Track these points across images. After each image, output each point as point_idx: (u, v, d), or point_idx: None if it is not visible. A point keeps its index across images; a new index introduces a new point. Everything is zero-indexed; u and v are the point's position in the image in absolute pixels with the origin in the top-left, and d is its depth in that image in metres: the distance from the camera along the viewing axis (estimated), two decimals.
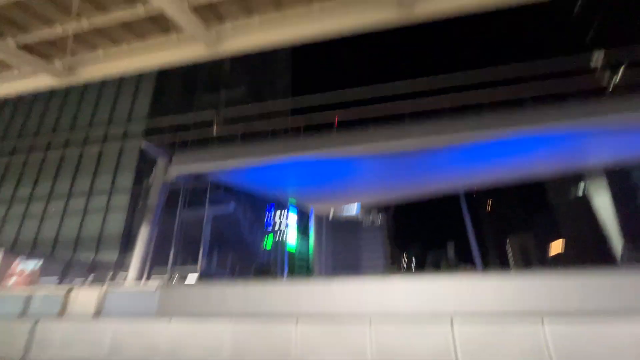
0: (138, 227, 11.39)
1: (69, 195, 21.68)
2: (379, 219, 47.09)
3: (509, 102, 8.67)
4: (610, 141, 11.33)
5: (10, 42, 6.59)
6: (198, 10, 6.11)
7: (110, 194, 20.64)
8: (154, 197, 13.28)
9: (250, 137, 14.61)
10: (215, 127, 8.77)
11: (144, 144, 14.53)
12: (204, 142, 17.72)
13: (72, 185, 21.54)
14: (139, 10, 6.03)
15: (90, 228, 20.87)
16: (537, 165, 14.15)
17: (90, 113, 21.60)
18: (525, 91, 8.07)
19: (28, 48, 6.90)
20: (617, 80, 6.14)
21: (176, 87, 22.74)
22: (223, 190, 20.53)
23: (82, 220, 21.28)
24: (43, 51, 7.12)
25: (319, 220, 34.13)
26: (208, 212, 19.71)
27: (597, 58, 6.38)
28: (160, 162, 13.89)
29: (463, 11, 6.31)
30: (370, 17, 6.16)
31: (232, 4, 6.15)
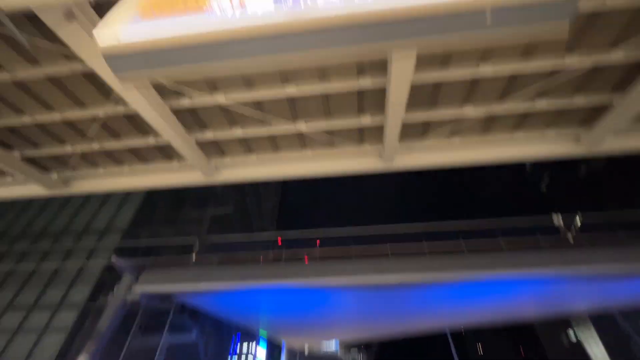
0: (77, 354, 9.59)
1: (6, 308, 18.75)
2: (361, 357, 41.68)
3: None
4: (589, 289, 11.80)
5: (17, 154, 6.92)
6: (202, 144, 6.83)
7: (56, 310, 18.00)
8: (107, 318, 11.70)
9: (227, 260, 14.08)
10: (194, 254, 8.56)
11: (113, 257, 13.72)
12: (177, 261, 16.86)
13: (14, 298, 18.89)
14: (150, 141, 6.68)
15: (17, 350, 17.24)
16: (526, 308, 14.15)
17: (67, 220, 21.02)
18: (496, 243, 8.64)
19: (30, 160, 7.21)
20: (572, 238, 6.98)
21: (164, 200, 23.18)
22: (187, 316, 18.35)
23: (9, 341, 17.78)
24: (44, 164, 7.43)
25: (292, 355, 30.31)
26: (166, 340, 17.06)
27: (558, 219, 7.28)
28: (126, 279, 12.82)
29: (436, 165, 7.31)
30: (355, 165, 7.00)
31: (234, 143, 6.95)
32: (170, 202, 24.16)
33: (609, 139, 6.63)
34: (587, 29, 4.70)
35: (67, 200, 22.73)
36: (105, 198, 22.03)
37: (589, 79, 5.62)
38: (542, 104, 6.00)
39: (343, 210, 22.87)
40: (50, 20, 3.49)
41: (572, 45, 4.92)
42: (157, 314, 17.89)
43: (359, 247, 9.31)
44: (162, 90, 5.45)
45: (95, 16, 3.90)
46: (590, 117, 6.42)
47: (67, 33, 3.77)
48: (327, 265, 10.81)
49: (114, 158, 7.41)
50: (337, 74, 5.27)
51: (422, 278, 10.05)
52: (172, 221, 22.64)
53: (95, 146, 6.81)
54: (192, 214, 24.42)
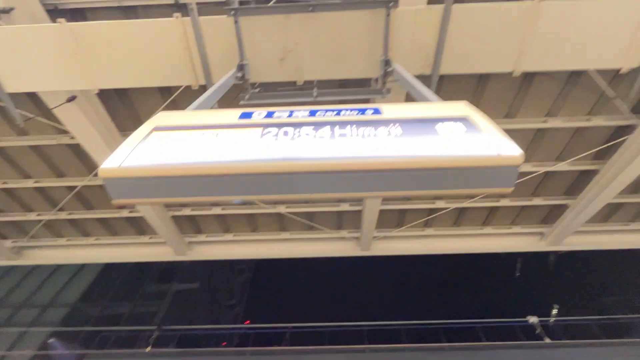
0: None
1: None
2: None
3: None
4: None
5: None
6: (178, 219, 6.69)
7: None
8: None
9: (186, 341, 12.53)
10: (150, 346, 7.63)
11: (51, 340, 11.93)
12: (126, 341, 14.83)
13: None
14: (122, 214, 6.49)
15: None
16: None
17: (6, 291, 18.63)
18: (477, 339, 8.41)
19: None
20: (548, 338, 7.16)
21: (124, 271, 21.36)
22: None
23: None
24: (1, 231, 6.93)
25: None
26: None
27: (533, 319, 7.36)
28: None
29: (411, 252, 7.42)
30: (333, 249, 6.99)
31: (212, 220, 6.87)
32: (130, 274, 22.24)
33: (569, 237, 7.10)
34: (536, 144, 5.43)
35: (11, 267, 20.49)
36: (57, 266, 20.06)
37: (543, 184, 6.27)
38: (506, 202, 6.53)
39: (320, 289, 21.71)
40: (52, 102, 3.67)
41: (526, 156, 5.60)
42: None
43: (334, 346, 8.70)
44: None
45: (94, 97, 4.17)
46: (550, 216, 6.97)
47: (65, 113, 3.95)
48: (296, 355, 9.80)
49: (80, 229, 7.04)
50: None
51: None
52: (131, 295, 20.51)
53: (62, 215, 6.51)
54: (154, 288, 22.38)
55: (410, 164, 1.01)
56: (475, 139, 1.09)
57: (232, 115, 1.35)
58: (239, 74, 2.68)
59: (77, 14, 3.48)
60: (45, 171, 5.74)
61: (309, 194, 1.06)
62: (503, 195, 6.48)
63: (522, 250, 7.32)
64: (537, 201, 6.52)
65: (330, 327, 8.90)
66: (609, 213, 6.93)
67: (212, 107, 2.04)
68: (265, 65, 2.91)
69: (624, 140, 5.03)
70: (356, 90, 2.98)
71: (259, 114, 1.35)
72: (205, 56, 2.84)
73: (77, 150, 5.38)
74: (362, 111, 1.33)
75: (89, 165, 5.65)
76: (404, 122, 1.22)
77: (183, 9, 2.76)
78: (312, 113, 1.33)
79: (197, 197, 1.07)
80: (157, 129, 1.25)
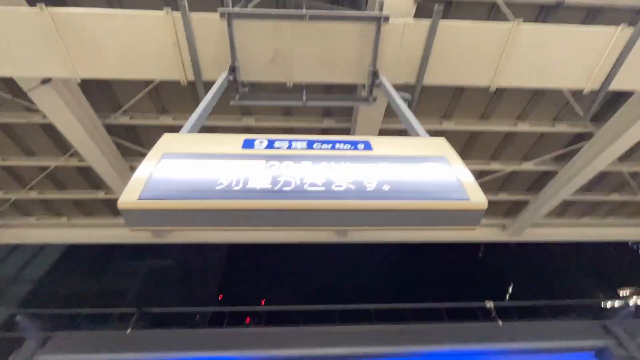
0: None
1: None
2: None
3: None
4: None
5: None
6: None
7: None
8: None
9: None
10: (130, 329, 7.68)
11: (18, 316, 11.60)
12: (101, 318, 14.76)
13: None
14: (99, 195, 6.35)
15: None
16: None
17: None
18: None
19: None
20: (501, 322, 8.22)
21: (93, 246, 20.77)
22: None
23: None
24: None
25: None
26: None
27: (489, 304, 8.17)
28: (29, 344, 10.82)
29: (385, 240, 7.84)
30: (310, 235, 7.24)
31: None
32: (100, 250, 21.64)
33: (528, 230, 7.75)
34: (505, 145, 5.81)
35: None
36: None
37: (509, 181, 6.75)
38: None
39: (295, 272, 22.29)
40: (26, 85, 3.51)
41: (494, 155, 6.01)
42: None
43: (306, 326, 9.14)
44: (125, 150, 5.42)
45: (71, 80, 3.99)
46: (512, 210, 7.55)
47: (39, 94, 3.77)
48: (270, 332, 10.21)
49: (52, 209, 6.83)
50: None
51: (370, 351, 9.89)
52: (101, 272, 20.12)
53: (32, 195, 6.28)
54: (125, 265, 21.99)
55: (397, 206, 1.19)
56: (450, 183, 1.28)
57: (235, 143, 1.45)
58: (231, 76, 2.71)
59: None
60: (13, 149, 5.48)
61: (307, 226, 1.22)
62: None
63: (485, 240, 7.91)
64: (502, 196, 7.03)
65: (304, 309, 9.31)
66: (564, 209, 7.60)
67: (209, 114, 2.11)
68: (255, 66, 2.94)
69: (581, 147, 5.50)
70: (344, 97, 3.09)
71: (260, 143, 1.46)
72: (196, 53, 2.82)
73: (48, 130, 5.16)
74: (355, 145, 1.47)
75: (61, 145, 5.44)
76: (391, 161, 1.38)
77: (172, 3, 2.70)
78: (310, 145, 1.46)
79: (207, 226, 1.19)
80: (166, 156, 1.34)
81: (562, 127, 5.37)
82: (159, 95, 4.67)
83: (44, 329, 10.58)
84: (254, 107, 4.69)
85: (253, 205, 1.17)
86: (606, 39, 2.96)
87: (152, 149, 1.38)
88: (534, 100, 4.89)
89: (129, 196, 1.14)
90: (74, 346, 9.76)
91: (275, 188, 1.22)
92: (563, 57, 3.01)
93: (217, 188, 1.20)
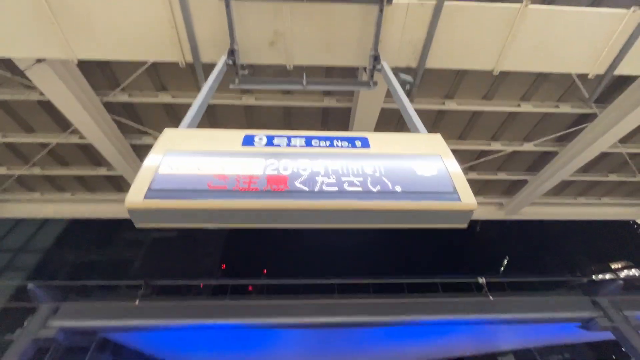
0: None
1: None
2: None
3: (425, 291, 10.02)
4: (511, 331, 13.72)
5: None
6: None
7: None
8: (10, 359, 10.17)
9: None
10: (137, 300, 8.02)
11: (30, 284, 12.08)
12: (107, 289, 15.36)
13: None
14: (100, 172, 6.42)
15: None
16: (457, 346, 15.97)
17: None
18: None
19: None
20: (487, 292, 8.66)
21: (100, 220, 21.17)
22: (109, 353, 16.41)
23: None
24: None
25: None
26: None
27: (482, 280, 8.48)
28: (42, 310, 11.35)
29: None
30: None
31: None
32: (105, 222, 22.11)
33: (525, 208, 7.87)
34: (507, 125, 5.77)
35: None
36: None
37: (509, 160, 6.76)
38: (473, 175, 7.03)
39: (296, 242, 22.81)
40: (22, 64, 3.46)
41: (495, 136, 5.98)
42: (72, 351, 15.75)
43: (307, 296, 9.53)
44: (125, 128, 5.41)
45: None
46: (511, 189, 7.63)
47: (36, 73, 3.73)
48: (272, 303, 10.67)
49: (55, 184, 6.92)
50: None
51: (368, 320, 10.38)
52: (107, 243, 20.65)
53: (36, 171, 6.34)
54: (131, 235, 22.52)
55: (388, 206, 1.24)
56: (443, 184, 1.32)
57: (235, 139, 1.48)
58: (230, 60, 2.66)
59: None
60: (12, 126, 5.47)
61: (305, 224, 1.28)
62: (472, 169, 6.98)
63: (482, 218, 8.06)
64: (501, 176, 7.08)
65: (303, 282, 9.65)
66: (561, 188, 7.68)
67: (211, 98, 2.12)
68: (255, 48, 2.88)
69: (584, 127, 5.47)
70: (344, 81, 3.05)
71: (260, 140, 1.49)
72: (193, 34, 2.76)
73: (47, 107, 5.13)
74: (352, 142, 1.50)
75: (61, 122, 5.43)
76: (387, 159, 1.42)
77: None
78: (308, 142, 1.49)
79: (211, 224, 1.26)
80: (169, 154, 1.38)
81: (565, 108, 5.31)
82: (158, 73, 4.59)
83: (55, 298, 11.04)
84: None
85: (253, 205, 1.22)
86: (616, 21, 2.87)
87: (154, 146, 1.41)
88: (538, 81, 4.80)
89: (135, 197, 1.20)
90: (85, 313, 10.26)
91: (273, 188, 1.27)
92: (570, 40, 2.93)
93: (219, 188, 1.25)
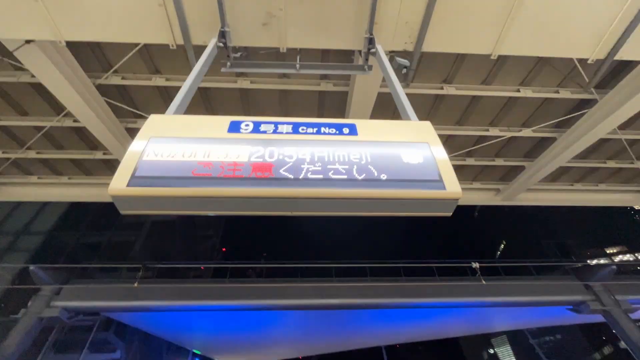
0: None
1: None
2: None
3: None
4: (504, 314, 14.09)
5: None
6: None
7: None
8: (17, 337, 10.44)
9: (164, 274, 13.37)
10: (136, 282, 8.16)
11: (32, 266, 12.25)
12: (110, 270, 15.62)
13: None
14: (97, 156, 6.39)
15: None
16: (452, 327, 16.47)
17: None
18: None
19: None
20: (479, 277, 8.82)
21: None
22: (112, 332, 16.86)
23: None
24: None
25: None
26: None
27: (475, 264, 8.58)
28: (45, 291, 11.57)
29: None
30: None
31: None
32: (104, 204, 22.21)
33: (522, 194, 7.88)
34: (506, 111, 5.71)
35: None
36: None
37: (507, 146, 6.73)
38: (471, 161, 7.02)
39: (295, 225, 23.05)
40: (11, 45, 3.38)
41: (494, 121, 5.93)
42: (76, 330, 16.16)
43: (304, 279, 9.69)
44: (120, 111, 5.35)
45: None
46: (508, 175, 7.62)
47: (25, 54, 3.65)
48: (271, 286, 10.86)
49: (52, 167, 6.90)
50: None
51: (367, 303, 10.60)
52: (107, 226, 20.81)
53: (31, 154, 6.31)
54: (130, 218, 22.69)
55: (373, 194, 1.24)
56: (428, 172, 1.32)
57: (221, 126, 1.46)
58: (221, 43, 2.60)
59: None
60: (6, 109, 5.41)
61: (290, 212, 1.29)
62: (469, 155, 6.95)
63: (478, 203, 8.09)
64: (498, 162, 7.06)
65: (302, 264, 9.79)
66: (559, 174, 7.67)
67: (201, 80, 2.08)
68: (247, 30, 2.80)
69: (583, 113, 5.41)
70: (338, 65, 2.98)
71: (246, 126, 1.47)
72: (184, 15, 2.68)
73: (40, 90, 5.05)
74: (340, 129, 1.49)
75: (54, 105, 5.36)
76: (373, 146, 1.40)
77: None
78: (295, 129, 1.48)
79: (195, 211, 1.26)
80: (152, 140, 1.36)
81: (565, 94, 5.24)
82: (151, 55, 4.50)
83: (57, 279, 11.23)
84: None
85: (237, 192, 1.22)
86: (618, 5, 2.78)
87: (139, 132, 1.40)
88: (539, 66, 4.71)
89: (118, 183, 1.19)
90: (87, 294, 10.46)
91: (259, 175, 1.26)
92: (570, 23, 2.86)
93: (203, 175, 1.25)
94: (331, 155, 1.35)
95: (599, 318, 9.74)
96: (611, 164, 7.06)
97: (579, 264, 13.47)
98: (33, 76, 4.49)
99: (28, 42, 3.49)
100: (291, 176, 1.26)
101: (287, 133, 1.46)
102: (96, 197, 7.44)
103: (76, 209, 18.84)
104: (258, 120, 1.51)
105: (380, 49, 2.55)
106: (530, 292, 9.60)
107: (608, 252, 21.32)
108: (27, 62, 3.72)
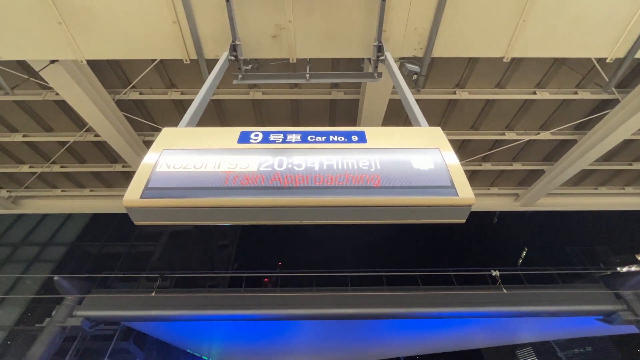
0: None
1: None
2: None
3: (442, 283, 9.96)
4: (529, 324, 13.54)
5: None
6: None
7: None
8: (42, 346, 10.72)
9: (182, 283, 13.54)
10: (154, 292, 8.32)
11: (56, 277, 12.67)
12: (129, 279, 15.94)
13: None
14: (116, 168, 6.61)
15: None
16: (474, 337, 15.91)
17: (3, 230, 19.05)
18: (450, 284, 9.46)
19: None
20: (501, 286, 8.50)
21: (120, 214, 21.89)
22: (132, 341, 17.13)
23: None
24: None
25: None
26: None
27: (496, 273, 8.31)
28: (68, 301, 11.89)
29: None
30: None
31: None
32: (124, 216, 22.77)
33: (542, 199, 7.62)
34: (522, 114, 5.57)
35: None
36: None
37: (524, 150, 6.54)
38: (487, 166, 6.86)
39: (311, 233, 22.95)
40: (37, 65, 3.57)
41: (510, 125, 5.79)
42: (98, 338, 16.51)
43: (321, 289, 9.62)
44: (138, 125, 5.53)
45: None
46: (527, 179, 7.40)
47: (50, 73, 3.84)
48: (287, 296, 10.82)
49: (74, 180, 7.17)
50: None
51: (383, 312, 10.42)
52: (127, 235, 21.35)
53: (55, 168, 6.59)
54: (149, 229, 23.22)
55: (386, 202, 1.22)
56: (440, 178, 1.29)
57: (231, 137, 1.49)
58: (232, 56, 2.66)
59: None
60: (32, 125, 5.68)
61: (299, 221, 1.28)
62: (486, 160, 6.80)
63: (496, 209, 7.87)
64: (516, 166, 6.87)
65: (318, 272, 9.73)
66: (581, 178, 7.39)
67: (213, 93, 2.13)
68: (257, 42, 2.86)
69: (605, 114, 5.21)
70: (348, 73, 3.00)
71: (255, 137, 1.49)
72: (196, 30, 2.77)
73: (64, 107, 5.29)
74: (349, 137, 1.48)
75: (77, 121, 5.60)
76: (384, 154, 1.39)
77: None
78: (304, 138, 1.48)
79: (208, 221, 1.27)
80: (165, 152, 1.40)
81: (585, 95, 5.08)
82: (166, 70, 4.65)
83: (80, 289, 11.56)
84: None
85: (247, 202, 1.23)
86: (636, 1, 2.70)
87: (152, 145, 1.44)
88: (555, 67, 4.60)
89: (132, 195, 1.22)
90: (107, 304, 10.71)
91: (269, 184, 1.27)
92: (585, 22, 2.78)
93: (215, 186, 1.26)
94: (340, 164, 1.34)
95: (632, 329, 9.20)
96: (637, 165, 6.75)
97: (608, 272, 12.82)
98: (57, 94, 4.72)
99: (52, 62, 3.68)
100: (301, 185, 1.26)
101: (296, 142, 1.46)
102: (116, 209, 7.65)
103: (98, 220, 19.43)
104: (267, 130, 1.53)
105: (389, 56, 2.55)
106: (556, 301, 9.19)
107: (639, 258, 20.21)
108: (52, 80, 3.92)
